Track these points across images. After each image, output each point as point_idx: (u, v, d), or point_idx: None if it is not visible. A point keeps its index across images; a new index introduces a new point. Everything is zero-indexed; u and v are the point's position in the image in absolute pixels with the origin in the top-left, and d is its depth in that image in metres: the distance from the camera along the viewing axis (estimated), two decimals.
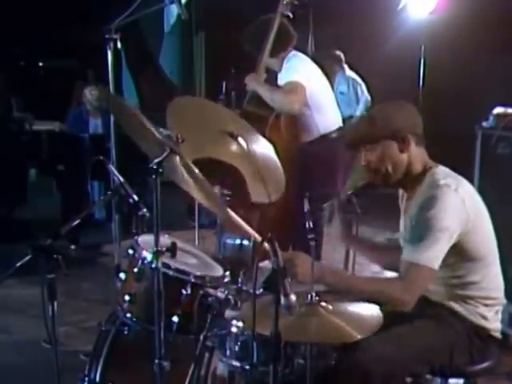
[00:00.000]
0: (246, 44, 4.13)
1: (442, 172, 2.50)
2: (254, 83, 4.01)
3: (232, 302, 2.36)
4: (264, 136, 2.82)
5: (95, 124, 6.37)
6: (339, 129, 4.20)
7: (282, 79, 4.00)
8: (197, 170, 2.39)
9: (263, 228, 3.56)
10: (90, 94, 6.34)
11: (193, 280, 2.50)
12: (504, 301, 2.60)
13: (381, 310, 2.25)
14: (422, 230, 2.37)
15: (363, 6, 6.65)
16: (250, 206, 2.84)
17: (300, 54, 4.14)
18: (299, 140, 4.09)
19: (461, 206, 2.39)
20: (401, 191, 2.71)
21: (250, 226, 2.94)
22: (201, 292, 2.43)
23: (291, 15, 4.01)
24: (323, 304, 2.22)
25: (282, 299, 1.97)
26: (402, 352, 2.37)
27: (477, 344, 2.49)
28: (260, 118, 3.30)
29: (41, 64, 8.12)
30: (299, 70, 4.03)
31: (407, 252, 2.40)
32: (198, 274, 2.55)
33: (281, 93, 3.90)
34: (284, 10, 4.00)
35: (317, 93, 4.02)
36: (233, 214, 2.67)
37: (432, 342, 2.44)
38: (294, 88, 3.88)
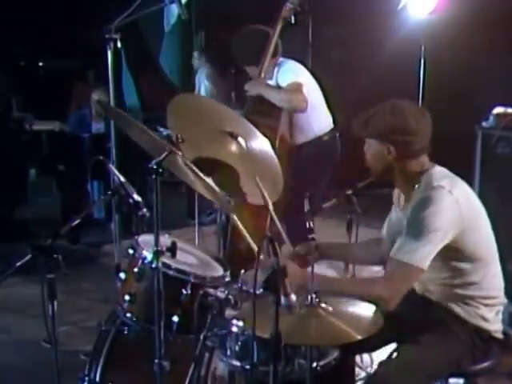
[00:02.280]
0: (241, 57, 4.14)
1: (438, 173, 2.50)
2: (258, 87, 4.02)
3: (232, 301, 2.36)
4: (273, 146, 2.83)
5: (97, 128, 6.36)
6: (331, 130, 4.23)
7: (282, 82, 4.01)
8: (195, 169, 2.40)
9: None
10: (99, 99, 6.31)
11: (193, 280, 2.50)
12: (505, 300, 2.60)
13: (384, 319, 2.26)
14: (414, 231, 2.37)
15: (363, 7, 6.65)
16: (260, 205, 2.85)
17: (289, 60, 4.16)
18: (295, 141, 4.10)
19: (454, 207, 2.38)
20: (397, 191, 2.70)
21: (261, 223, 2.94)
22: (201, 292, 2.43)
23: (293, 21, 4.02)
24: (323, 305, 2.22)
25: (283, 299, 1.97)
26: (411, 380, 2.39)
27: (479, 345, 2.49)
28: (266, 127, 3.30)
29: (41, 64, 8.10)
30: (297, 72, 4.07)
31: (398, 251, 2.39)
32: (198, 273, 2.56)
33: (288, 92, 3.92)
34: (287, 15, 4.02)
35: (312, 95, 4.04)
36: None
37: (439, 362, 2.44)
38: (299, 88, 3.91)
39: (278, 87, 4.03)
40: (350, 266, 3.03)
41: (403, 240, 2.40)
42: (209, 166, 2.72)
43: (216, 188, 2.54)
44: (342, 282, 2.62)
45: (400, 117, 2.45)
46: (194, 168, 2.40)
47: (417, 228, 2.36)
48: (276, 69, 4.09)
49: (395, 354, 2.51)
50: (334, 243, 2.93)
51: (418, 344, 2.46)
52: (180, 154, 2.38)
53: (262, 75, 4.03)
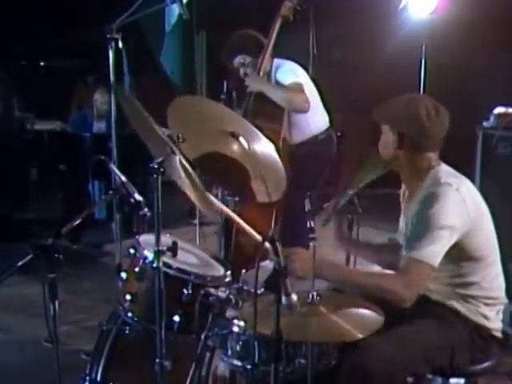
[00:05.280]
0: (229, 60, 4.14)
1: (445, 171, 2.51)
2: (260, 83, 4.00)
3: (233, 301, 2.36)
4: (277, 148, 2.83)
5: (99, 128, 6.36)
6: (327, 129, 4.24)
7: (283, 82, 4.01)
8: (192, 171, 2.40)
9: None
10: (100, 101, 6.32)
11: (194, 279, 2.51)
12: (505, 300, 2.60)
13: (382, 309, 2.25)
14: (423, 227, 2.37)
15: (364, 7, 6.65)
16: (265, 203, 2.86)
17: (286, 60, 4.16)
18: (293, 140, 4.10)
19: (462, 205, 2.39)
20: (403, 188, 2.72)
21: (265, 223, 2.91)
22: (202, 291, 2.43)
23: (292, 19, 4.02)
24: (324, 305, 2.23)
25: (283, 298, 1.97)
26: (402, 352, 2.36)
27: (478, 343, 2.49)
28: (270, 130, 3.30)
29: (42, 64, 8.09)
30: (297, 72, 4.06)
31: (408, 248, 2.40)
32: (199, 273, 2.56)
33: (290, 91, 3.91)
34: (286, 13, 4.01)
35: (310, 95, 4.04)
36: (233, 215, 2.68)
37: (433, 342, 2.44)
38: (301, 88, 3.90)
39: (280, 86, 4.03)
40: (351, 261, 3.00)
41: (412, 237, 2.41)
42: (211, 165, 2.73)
43: (208, 196, 2.55)
44: (356, 272, 2.60)
45: (412, 109, 2.48)
46: (191, 171, 2.40)
47: (425, 225, 2.37)
48: (274, 70, 4.09)
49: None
50: (363, 241, 2.89)
51: (414, 327, 2.45)
52: (180, 154, 2.38)
53: (261, 75, 4.03)
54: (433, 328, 2.46)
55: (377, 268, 2.91)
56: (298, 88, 3.90)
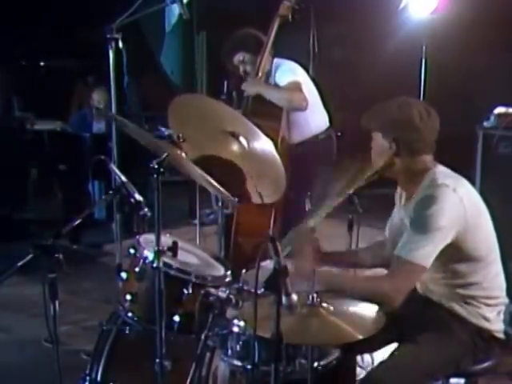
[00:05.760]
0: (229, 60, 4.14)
1: (442, 172, 2.51)
2: (257, 86, 4.00)
3: (233, 301, 2.36)
4: (276, 147, 2.84)
5: (99, 127, 6.36)
6: (327, 129, 4.24)
7: (280, 82, 4.00)
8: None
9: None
10: (97, 100, 6.31)
11: (194, 279, 2.51)
12: (506, 300, 2.60)
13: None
14: (418, 229, 2.37)
15: (364, 6, 6.65)
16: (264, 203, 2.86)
17: (286, 60, 4.16)
18: (292, 140, 4.10)
19: (458, 205, 2.39)
20: (398, 191, 2.71)
21: (265, 222, 2.91)
22: (202, 291, 2.43)
23: (290, 19, 4.02)
24: (324, 305, 2.22)
25: (284, 298, 1.97)
26: (409, 380, 2.39)
27: (480, 346, 2.49)
28: (268, 128, 3.29)
29: (42, 63, 8.10)
30: (296, 72, 4.06)
31: (402, 248, 2.39)
32: (200, 273, 2.56)
33: (288, 91, 3.91)
34: (284, 13, 4.01)
35: (309, 93, 4.03)
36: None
37: (438, 361, 2.44)
38: (299, 87, 3.90)
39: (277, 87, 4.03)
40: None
41: (407, 238, 2.40)
42: (211, 165, 2.73)
43: (219, 187, 2.55)
44: (346, 278, 2.60)
45: (404, 112, 2.47)
46: (196, 168, 2.40)
47: (421, 226, 2.37)
48: (273, 69, 4.09)
49: (394, 353, 2.51)
50: (337, 251, 2.89)
51: (418, 344, 2.45)
52: (180, 153, 2.39)
53: (259, 74, 4.03)
54: (436, 347, 2.44)
55: (377, 270, 2.91)
56: (295, 87, 3.90)
